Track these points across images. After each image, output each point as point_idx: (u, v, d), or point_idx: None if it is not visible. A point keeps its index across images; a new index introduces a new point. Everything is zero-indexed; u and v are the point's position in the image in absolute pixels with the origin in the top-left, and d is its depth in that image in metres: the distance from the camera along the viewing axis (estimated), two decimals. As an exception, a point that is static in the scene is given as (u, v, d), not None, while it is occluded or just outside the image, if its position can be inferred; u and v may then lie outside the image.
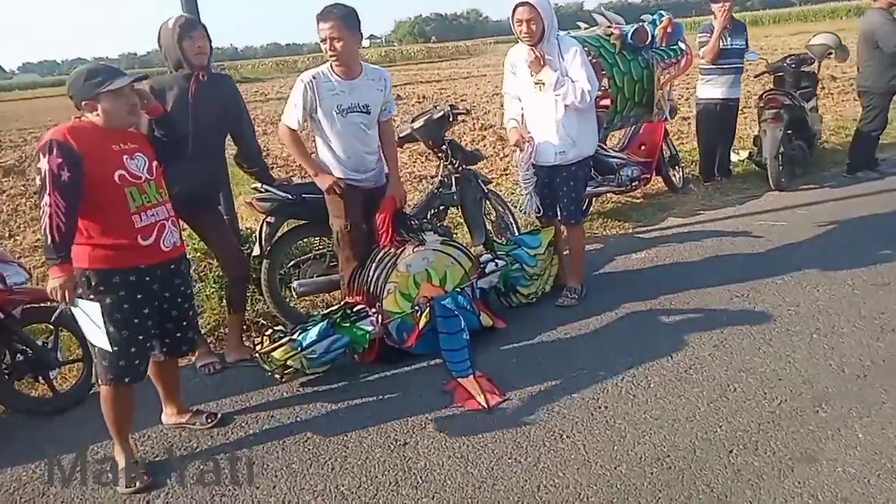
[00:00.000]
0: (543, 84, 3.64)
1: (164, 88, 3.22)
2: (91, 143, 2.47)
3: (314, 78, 3.35)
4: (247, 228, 4.61)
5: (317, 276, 3.98)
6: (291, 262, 4.07)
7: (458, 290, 3.61)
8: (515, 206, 5.19)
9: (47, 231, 2.38)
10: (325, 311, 3.48)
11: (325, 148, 3.48)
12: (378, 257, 3.57)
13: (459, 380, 3.21)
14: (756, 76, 6.92)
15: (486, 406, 2.98)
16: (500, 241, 4.25)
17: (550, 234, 4.06)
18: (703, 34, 6.00)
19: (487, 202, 4.62)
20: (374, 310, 3.46)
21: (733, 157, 6.73)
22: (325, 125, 3.41)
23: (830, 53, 6.62)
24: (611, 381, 3.10)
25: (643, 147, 5.92)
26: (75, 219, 2.43)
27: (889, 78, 5.82)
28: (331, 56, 3.29)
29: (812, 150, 6.65)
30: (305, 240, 4.21)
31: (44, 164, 2.40)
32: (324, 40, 3.27)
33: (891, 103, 6.05)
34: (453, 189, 4.39)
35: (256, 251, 3.84)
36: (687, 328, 3.56)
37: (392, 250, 3.56)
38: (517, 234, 4.73)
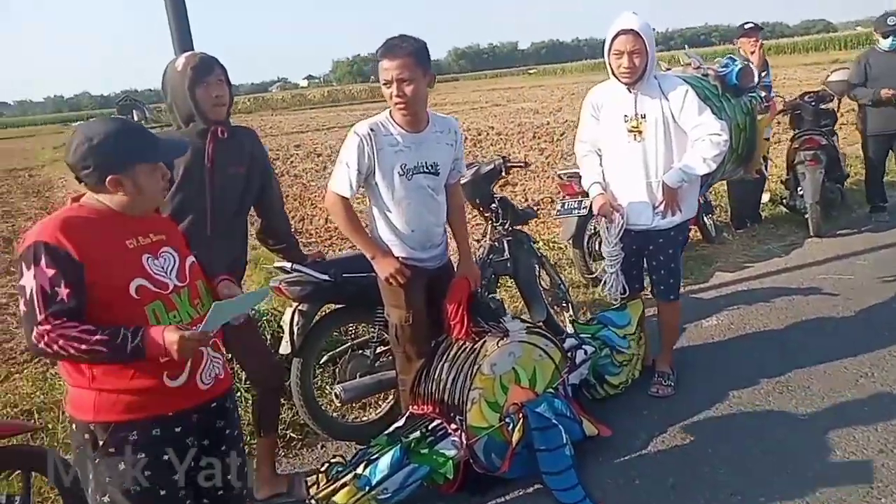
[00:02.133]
0: (640, 133, 3.00)
1: None
2: (96, 241, 1.70)
3: (372, 130, 2.62)
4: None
5: (359, 375, 3.17)
6: (324, 359, 3.25)
7: (550, 390, 2.89)
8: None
9: (80, 356, 1.62)
10: (391, 430, 2.70)
11: (383, 220, 2.73)
12: (451, 355, 2.81)
13: (580, 517, 2.47)
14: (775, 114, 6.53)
15: (636, 562, 2.25)
16: (582, 322, 3.54)
17: (639, 308, 3.38)
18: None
19: (542, 269, 3.94)
20: (454, 425, 2.69)
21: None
22: (382, 190, 2.67)
23: (851, 90, 6.32)
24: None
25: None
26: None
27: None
28: (397, 103, 2.56)
29: (844, 192, 6.29)
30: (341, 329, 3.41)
31: (29, 280, 1.61)
32: (388, 83, 2.54)
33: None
34: (506, 255, 3.70)
35: (285, 348, 3.02)
36: (831, 425, 2.92)
37: (468, 345, 2.81)
38: (570, 303, 4.05)
